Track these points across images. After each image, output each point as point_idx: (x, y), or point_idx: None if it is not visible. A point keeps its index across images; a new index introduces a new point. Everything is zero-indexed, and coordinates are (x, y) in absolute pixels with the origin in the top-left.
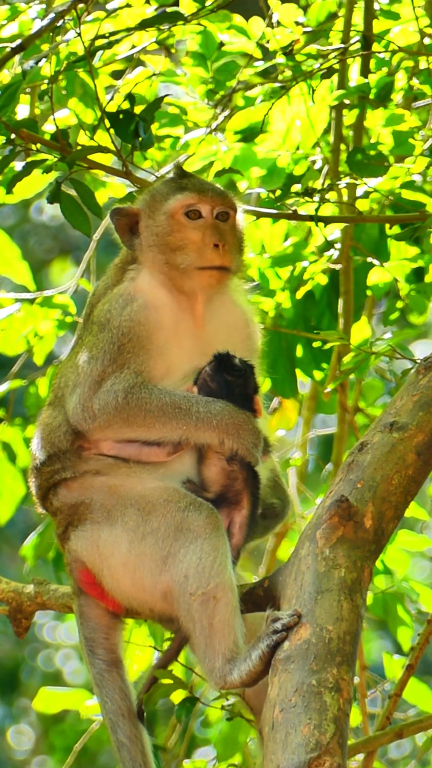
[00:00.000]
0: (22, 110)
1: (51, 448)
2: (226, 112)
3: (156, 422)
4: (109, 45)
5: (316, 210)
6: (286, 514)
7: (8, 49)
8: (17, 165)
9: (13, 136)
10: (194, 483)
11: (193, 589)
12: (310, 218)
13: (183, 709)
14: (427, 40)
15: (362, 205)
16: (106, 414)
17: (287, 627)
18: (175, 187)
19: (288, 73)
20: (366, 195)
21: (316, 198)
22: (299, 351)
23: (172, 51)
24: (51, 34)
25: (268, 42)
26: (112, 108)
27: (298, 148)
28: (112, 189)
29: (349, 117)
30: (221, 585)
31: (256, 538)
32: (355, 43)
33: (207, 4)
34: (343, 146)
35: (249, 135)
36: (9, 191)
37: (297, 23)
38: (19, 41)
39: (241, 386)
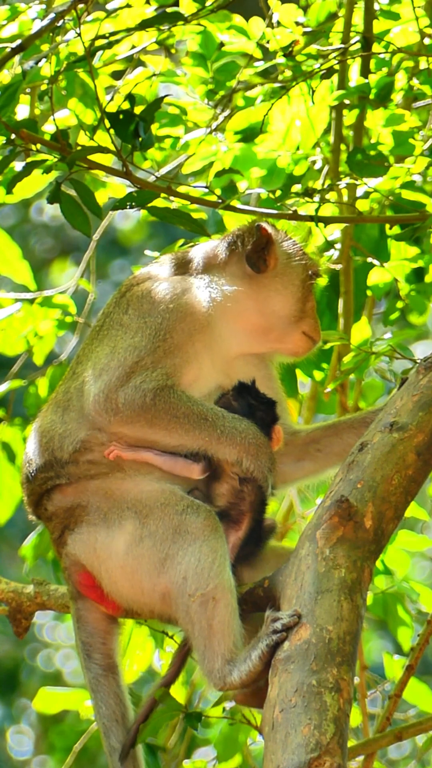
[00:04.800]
0: (22, 110)
1: (48, 455)
2: (226, 112)
3: (179, 428)
4: (109, 45)
5: (316, 210)
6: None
7: (8, 49)
8: (17, 165)
9: (13, 136)
10: (201, 492)
11: (192, 590)
12: (310, 218)
13: (193, 720)
14: (427, 40)
15: (362, 205)
16: (130, 411)
17: (287, 627)
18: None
19: (288, 73)
20: (366, 195)
21: (316, 198)
22: None
23: (172, 51)
24: (51, 34)
25: (268, 42)
26: (112, 108)
27: (298, 148)
28: (112, 189)
29: (349, 117)
30: (220, 586)
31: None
32: (355, 43)
33: (207, 4)
34: (343, 146)
35: (249, 135)
36: (9, 191)
37: (297, 23)
38: (19, 41)
39: (263, 411)
